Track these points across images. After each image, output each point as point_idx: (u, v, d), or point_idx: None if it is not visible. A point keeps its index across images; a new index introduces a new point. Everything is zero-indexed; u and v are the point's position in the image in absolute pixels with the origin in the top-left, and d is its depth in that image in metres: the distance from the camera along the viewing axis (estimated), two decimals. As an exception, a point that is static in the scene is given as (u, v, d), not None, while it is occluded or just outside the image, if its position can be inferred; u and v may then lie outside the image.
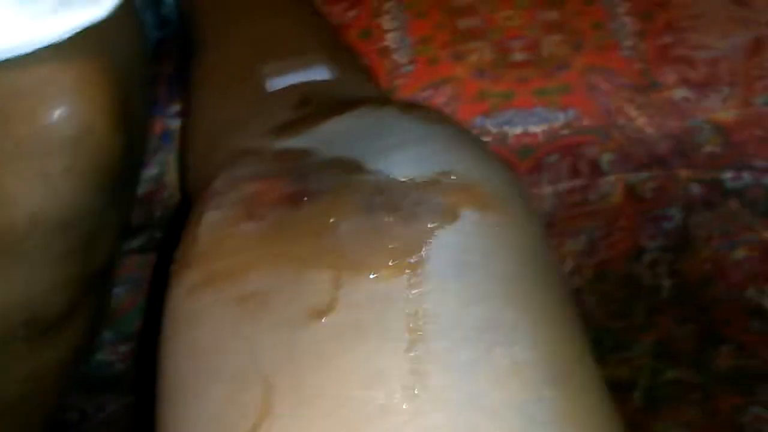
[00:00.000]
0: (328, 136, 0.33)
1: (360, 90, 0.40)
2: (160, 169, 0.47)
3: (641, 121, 0.49)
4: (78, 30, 0.32)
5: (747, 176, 0.50)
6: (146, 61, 0.42)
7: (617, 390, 0.58)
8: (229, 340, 0.27)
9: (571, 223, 0.53)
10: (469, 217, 0.30)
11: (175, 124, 0.47)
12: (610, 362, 0.57)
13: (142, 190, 0.46)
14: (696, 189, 0.51)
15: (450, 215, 0.29)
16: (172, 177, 0.47)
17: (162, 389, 0.29)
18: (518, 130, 0.49)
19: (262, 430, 0.24)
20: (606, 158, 0.50)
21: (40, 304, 0.33)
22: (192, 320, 0.28)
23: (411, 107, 0.35)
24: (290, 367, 0.25)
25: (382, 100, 0.42)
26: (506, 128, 0.49)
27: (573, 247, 0.54)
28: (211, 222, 0.30)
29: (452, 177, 0.31)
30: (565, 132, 0.49)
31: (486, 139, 0.49)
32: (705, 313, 0.54)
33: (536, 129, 0.49)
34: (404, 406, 0.24)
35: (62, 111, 0.32)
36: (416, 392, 0.24)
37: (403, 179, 0.30)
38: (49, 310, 0.33)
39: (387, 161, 0.31)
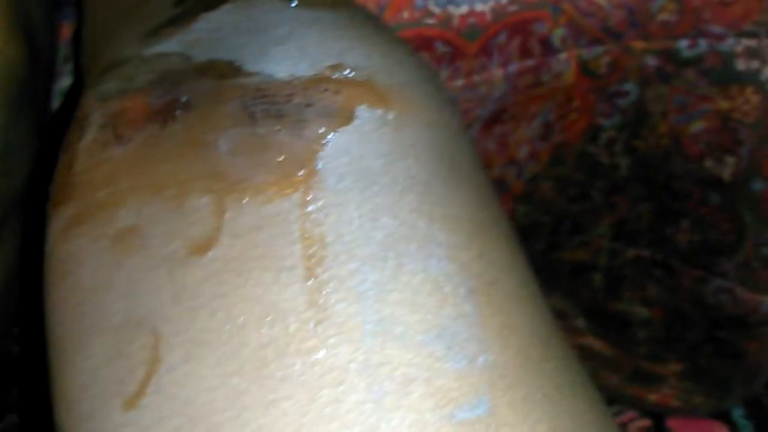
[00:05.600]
0: (201, 36, 0.28)
1: None
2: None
3: (592, -9, 0.46)
4: None
5: (703, 43, 0.48)
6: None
7: (577, 273, 0.57)
8: (108, 285, 0.24)
9: (525, 107, 0.51)
10: (366, 116, 0.26)
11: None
12: (568, 246, 0.56)
13: (57, 104, 0.42)
14: (651, 61, 0.48)
15: (343, 116, 0.26)
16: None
17: (48, 344, 0.26)
18: (464, 9, 0.46)
19: (151, 386, 0.22)
20: (558, 34, 0.47)
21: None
22: (69, 265, 0.25)
23: None
24: (176, 312, 0.23)
25: None
26: (450, 8, 0.46)
27: (527, 133, 0.52)
28: (80, 148, 0.27)
29: (344, 70, 0.27)
30: (514, 8, 0.46)
31: (430, 21, 0.46)
32: (663, 189, 0.53)
33: (483, 7, 0.46)
34: (306, 344, 0.22)
35: None
36: (317, 327, 0.22)
37: (286, 78, 0.26)
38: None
39: (268, 59, 0.27)
